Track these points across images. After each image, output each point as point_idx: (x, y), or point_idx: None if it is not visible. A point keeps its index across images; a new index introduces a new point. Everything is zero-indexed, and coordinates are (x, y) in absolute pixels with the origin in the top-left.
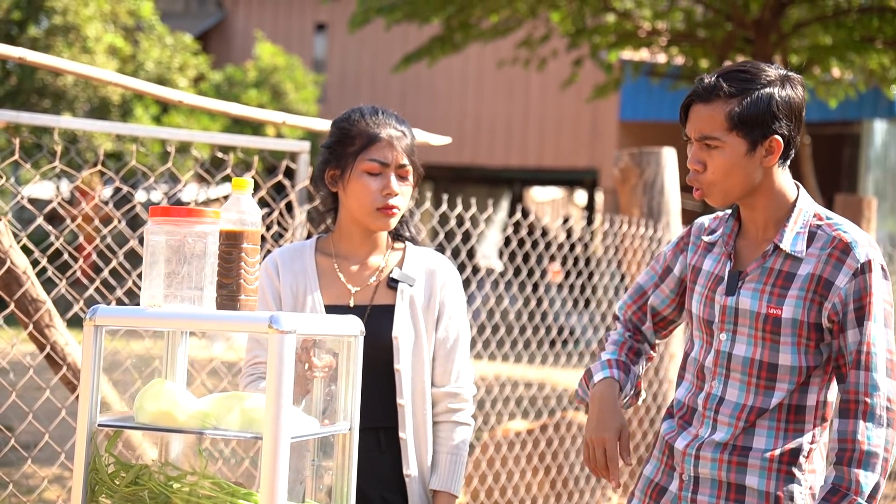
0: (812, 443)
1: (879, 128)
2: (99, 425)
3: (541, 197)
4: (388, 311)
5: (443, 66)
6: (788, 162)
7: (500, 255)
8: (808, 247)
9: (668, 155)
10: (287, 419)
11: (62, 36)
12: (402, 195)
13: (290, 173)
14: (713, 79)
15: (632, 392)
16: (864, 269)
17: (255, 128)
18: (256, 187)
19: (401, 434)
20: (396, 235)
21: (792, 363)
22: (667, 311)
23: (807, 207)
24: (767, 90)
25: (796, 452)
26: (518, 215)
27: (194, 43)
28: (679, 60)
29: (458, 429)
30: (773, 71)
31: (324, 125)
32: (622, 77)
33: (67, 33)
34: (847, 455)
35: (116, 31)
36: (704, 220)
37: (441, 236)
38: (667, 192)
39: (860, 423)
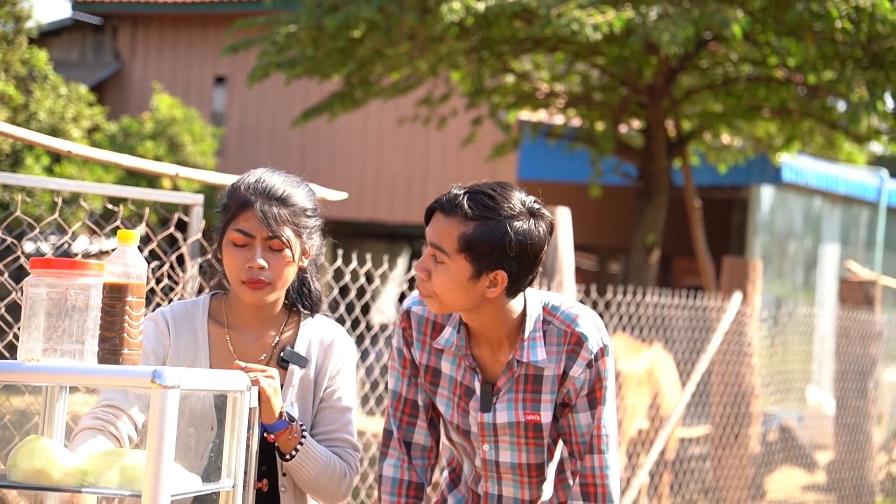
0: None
1: (767, 193)
2: None
3: None
4: None
5: (343, 121)
6: (517, 293)
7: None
8: (545, 344)
9: (563, 214)
10: (168, 477)
11: None
12: (272, 268)
13: (182, 226)
14: (460, 194)
15: None
16: (597, 358)
17: (151, 180)
18: (148, 240)
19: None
20: (293, 306)
21: (553, 457)
22: (426, 401)
23: (534, 310)
24: (504, 224)
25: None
26: (413, 272)
27: (89, 93)
28: (576, 122)
29: (342, 457)
30: (518, 203)
31: (219, 178)
32: (520, 137)
33: None
34: None
35: (8, 79)
36: (421, 311)
37: (336, 291)
38: (560, 251)
39: None
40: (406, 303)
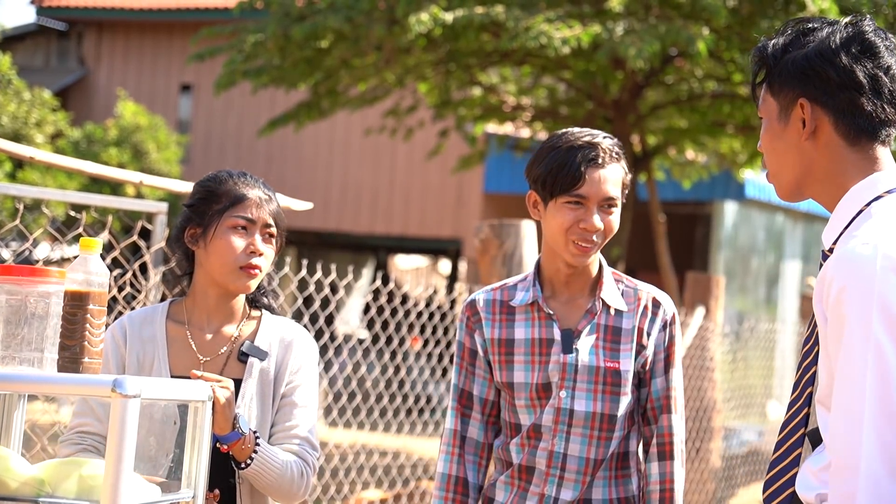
0: (637, 488)
1: (730, 209)
2: None
3: (405, 265)
4: (236, 384)
5: (310, 131)
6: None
7: (366, 323)
8: (623, 297)
9: (528, 227)
10: (126, 487)
11: None
12: (266, 257)
13: (146, 234)
14: (611, 144)
15: None
16: (672, 322)
17: (115, 187)
18: (111, 247)
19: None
20: (253, 303)
21: (624, 412)
22: (490, 394)
23: (607, 270)
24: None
25: (630, 501)
26: (378, 282)
27: (53, 99)
28: (542, 136)
29: (299, 455)
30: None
31: (183, 186)
32: (487, 150)
33: None
34: (667, 496)
35: None
36: (487, 296)
37: (300, 301)
38: (525, 264)
39: (674, 464)
40: (468, 298)
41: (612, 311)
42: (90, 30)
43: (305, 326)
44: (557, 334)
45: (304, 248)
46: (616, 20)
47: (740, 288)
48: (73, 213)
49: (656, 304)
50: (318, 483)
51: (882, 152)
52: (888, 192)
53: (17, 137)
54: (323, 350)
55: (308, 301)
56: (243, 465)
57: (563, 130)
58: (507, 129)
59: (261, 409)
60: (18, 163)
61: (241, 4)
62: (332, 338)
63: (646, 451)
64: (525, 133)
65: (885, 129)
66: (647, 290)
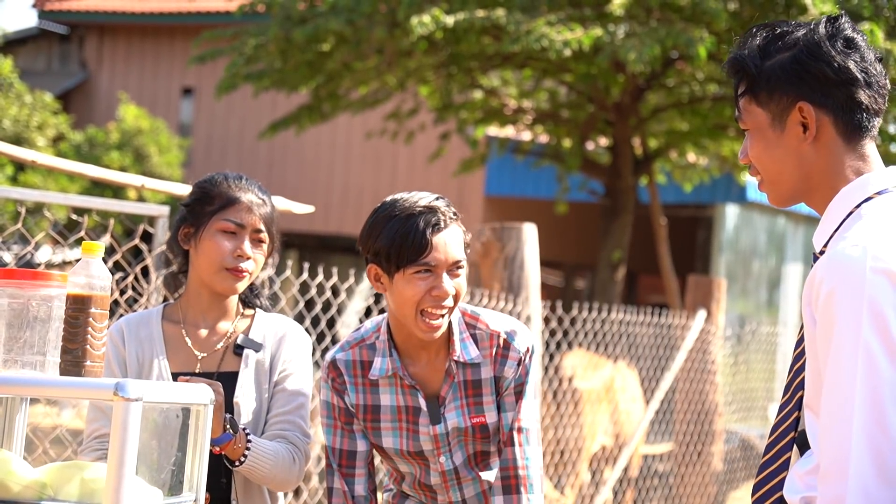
0: None
1: (731, 212)
2: None
3: None
4: (233, 377)
5: (311, 134)
6: None
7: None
8: (477, 346)
9: (529, 230)
10: (129, 490)
11: None
12: (255, 260)
13: (147, 237)
14: None
15: None
16: (525, 356)
17: (116, 190)
18: (112, 251)
19: (232, 502)
20: (246, 303)
21: (496, 447)
22: (367, 445)
23: (455, 316)
24: None
25: None
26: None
27: (55, 102)
28: (543, 139)
29: (291, 441)
30: None
31: (184, 189)
32: (488, 153)
33: None
34: None
35: None
36: (346, 356)
37: (301, 305)
38: (527, 267)
39: (522, 497)
40: (328, 356)
41: (468, 365)
42: (92, 33)
43: (307, 330)
44: (423, 404)
45: (305, 251)
46: (617, 23)
47: (742, 291)
48: (74, 217)
49: (506, 346)
50: (320, 486)
51: (871, 149)
52: (879, 193)
53: (18, 141)
54: (324, 353)
55: (309, 304)
56: (237, 464)
57: (393, 198)
58: (509, 132)
59: (257, 399)
60: (20, 166)
61: (242, 7)
62: (334, 341)
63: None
64: (526, 136)
65: (875, 119)
66: (501, 329)
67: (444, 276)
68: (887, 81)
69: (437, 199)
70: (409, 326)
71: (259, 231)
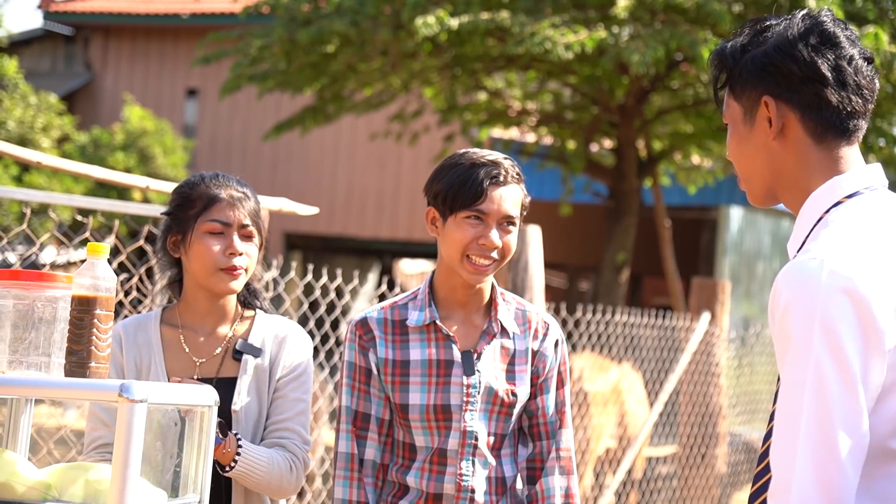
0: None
1: (735, 214)
2: None
3: (410, 269)
4: (232, 383)
5: (315, 135)
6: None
7: None
8: (514, 319)
9: (534, 232)
10: (133, 491)
11: None
12: (247, 255)
13: (152, 239)
14: None
15: None
16: (560, 342)
17: (121, 191)
18: (117, 252)
19: None
20: (246, 304)
21: (510, 431)
22: (386, 413)
23: (499, 290)
24: None
25: None
26: (384, 287)
27: (59, 103)
28: (547, 140)
29: (288, 449)
30: None
31: None
32: None
33: None
34: None
35: None
36: (369, 314)
37: (305, 306)
38: (531, 269)
39: (573, 479)
40: (356, 317)
41: (509, 333)
42: (97, 34)
43: (311, 332)
44: (458, 356)
45: (309, 252)
46: (621, 25)
47: (746, 293)
48: (79, 218)
49: (546, 327)
50: (324, 488)
51: (847, 152)
52: (849, 196)
53: (23, 142)
54: (329, 355)
55: (313, 305)
56: (228, 469)
57: (465, 150)
58: (513, 133)
59: (257, 405)
60: (25, 167)
61: (247, 9)
62: (338, 342)
63: (540, 468)
64: (530, 138)
65: (853, 120)
66: (537, 313)
67: (494, 227)
68: (872, 82)
69: (505, 158)
70: (457, 270)
71: (245, 226)
